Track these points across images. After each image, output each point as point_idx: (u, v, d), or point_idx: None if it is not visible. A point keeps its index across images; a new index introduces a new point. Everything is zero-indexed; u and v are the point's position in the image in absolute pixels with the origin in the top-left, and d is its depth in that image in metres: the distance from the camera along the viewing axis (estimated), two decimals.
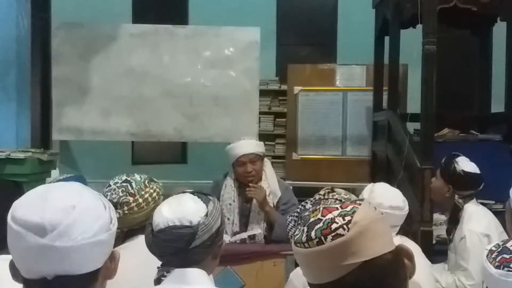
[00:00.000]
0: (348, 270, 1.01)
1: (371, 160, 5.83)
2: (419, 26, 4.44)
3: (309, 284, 1.10)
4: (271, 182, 3.46)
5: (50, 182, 2.99)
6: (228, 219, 3.39)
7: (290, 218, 1.80)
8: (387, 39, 5.33)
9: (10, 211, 1.09)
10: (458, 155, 3.10)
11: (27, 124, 5.56)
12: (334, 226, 1.03)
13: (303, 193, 3.46)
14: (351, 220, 1.03)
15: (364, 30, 6.09)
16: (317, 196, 2.06)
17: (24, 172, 4.37)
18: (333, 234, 1.02)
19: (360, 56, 6.38)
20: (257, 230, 3.38)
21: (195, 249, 1.54)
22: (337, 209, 1.07)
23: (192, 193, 1.64)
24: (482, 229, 2.87)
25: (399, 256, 1.08)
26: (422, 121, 4.44)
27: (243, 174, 3.40)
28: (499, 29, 5.23)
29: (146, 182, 2.08)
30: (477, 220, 2.92)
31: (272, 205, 3.41)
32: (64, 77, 5.99)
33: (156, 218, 1.56)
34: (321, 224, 1.04)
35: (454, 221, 2.96)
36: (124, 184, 2.04)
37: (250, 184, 3.37)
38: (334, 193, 2.21)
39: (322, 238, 1.02)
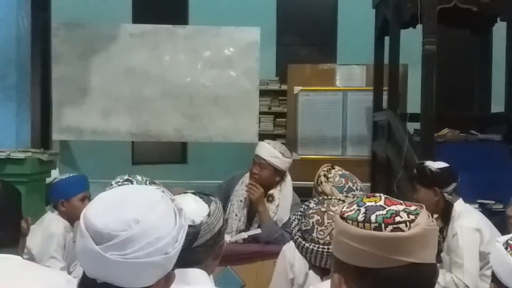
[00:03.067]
0: (392, 265, 1.01)
1: (371, 160, 5.83)
2: (419, 26, 4.45)
3: (334, 259, 1.09)
4: (282, 203, 3.35)
5: (52, 182, 2.99)
6: (236, 215, 3.38)
7: (294, 216, 1.80)
8: (387, 39, 5.33)
9: (87, 207, 1.10)
10: (424, 161, 3.15)
11: (27, 124, 5.55)
12: (397, 219, 1.03)
13: (303, 193, 3.45)
14: (414, 219, 1.03)
15: (364, 30, 6.09)
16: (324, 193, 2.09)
17: (24, 172, 4.37)
18: (394, 226, 1.02)
19: (360, 56, 6.38)
20: (257, 230, 3.38)
21: (197, 249, 1.54)
22: (401, 204, 1.07)
23: (194, 193, 1.64)
24: (473, 224, 2.90)
25: (437, 271, 1.08)
26: (422, 121, 4.45)
27: (250, 172, 3.41)
28: (499, 29, 5.23)
29: (147, 183, 2.08)
30: (467, 216, 2.95)
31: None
32: (64, 77, 5.99)
33: None
34: (384, 212, 1.04)
35: (447, 218, 2.98)
36: (126, 183, 2.04)
37: (250, 182, 3.36)
38: (336, 169, 2.26)
39: (383, 225, 1.02)
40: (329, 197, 2.05)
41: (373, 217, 1.04)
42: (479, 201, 4.00)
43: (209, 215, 1.57)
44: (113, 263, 1.03)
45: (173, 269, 1.50)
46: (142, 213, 1.06)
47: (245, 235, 3.38)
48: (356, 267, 1.04)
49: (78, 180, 3.29)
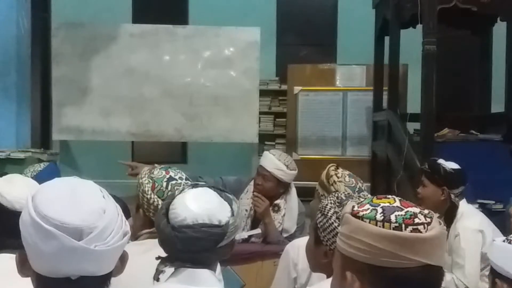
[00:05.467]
0: (409, 265, 1.02)
1: (371, 160, 5.83)
2: (419, 26, 4.45)
3: (343, 257, 1.09)
4: (288, 213, 3.31)
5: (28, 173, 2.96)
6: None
7: (330, 205, 1.73)
8: (387, 39, 5.33)
9: (33, 207, 1.06)
10: (437, 159, 3.13)
11: (27, 124, 5.56)
12: (416, 220, 1.04)
13: (303, 193, 3.44)
14: (430, 222, 1.06)
15: (364, 30, 6.09)
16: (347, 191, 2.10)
17: None
18: (413, 227, 1.04)
19: (360, 56, 6.38)
20: (257, 230, 3.38)
21: (219, 249, 1.50)
22: (415, 207, 1.09)
23: (210, 187, 1.58)
24: (476, 225, 2.90)
25: (444, 274, 1.10)
26: (422, 121, 4.45)
27: (254, 183, 3.35)
28: (499, 29, 5.23)
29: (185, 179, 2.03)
30: (470, 217, 2.94)
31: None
32: (64, 77, 6.00)
33: (181, 211, 1.48)
34: (402, 213, 1.05)
35: (450, 220, 2.97)
36: (189, 182, 1.95)
37: (255, 193, 3.30)
38: (340, 170, 2.29)
39: (403, 225, 1.03)
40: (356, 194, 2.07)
41: (392, 217, 1.04)
42: (479, 201, 3.99)
43: (233, 215, 1.51)
44: (98, 254, 1.06)
45: (186, 267, 1.47)
46: (102, 202, 1.10)
47: (245, 235, 3.38)
48: (371, 265, 1.04)
49: (53, 170, 3.25)
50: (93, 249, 1.05)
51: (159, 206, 1.88)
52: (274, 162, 3.23)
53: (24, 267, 1.10)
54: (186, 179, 1.95)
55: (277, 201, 3.31)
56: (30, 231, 1.05)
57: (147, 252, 1.67)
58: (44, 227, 1.03)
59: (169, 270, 1.54)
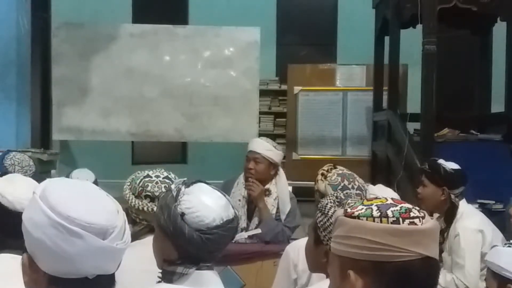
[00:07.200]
0: (409, 258, 1.05)
1: (371, 160, 5.84)
2: (419, 26, 4.45)
3: (341, 259, 1.10)
4: (281, 195, 3.43)
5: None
6: None
7: (330, 204, 1.73)
8: (387, 39, 5.34)
9: (49, 208, 1.04)
10: (437, 159, 3.13)
11: (27, 124, 5.56)
12: (412, 214, 1.08)
13: (303, 193, 3.46)
14: (424, 216, 1.09)
15: (364, 30, 6.10)
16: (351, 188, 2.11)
17: None
18: (410, 220, 1.06)
19: (360, 56, 6.38)
20: (257, 230, 3.38)
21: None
22: (407, 203, 1.12)
23: (199, 181, 1.54)
24: (476, 225, 2.90)
25: (440, 268, 1.14)
26: (422, 121, 4.45)
27: (245, 169, 3.47)
28: (499, 29, 5.23)
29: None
30: (470, 217, 2.95)
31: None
32: (64, 77, 5.99)
33: (206, 213, 1.44)
34: (398, 208, 1.08)
35: (450, 220, 2.98)
36: (167, 180, 2.00)
37: (250, 179, 3.42)
38: (337, 169, 2.27)
39: (400, 219, 1.06)
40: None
41: (389, 212, 1.07)
42: (479, 201, 4.00)
43: (233, 207, 1.51)
44: (118, 251, 1.09)
45: (206, 268, 1.47)
46: (114, 203, 1.14)
47: (245, 235, 3.39)
48: (372, 262, 1.06)
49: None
50: (116, 247, 1.07)
51: (133, 203, 1.92)
52: (263, 144, 3.46)
53: (30, 269, 1.09)
54: (167, 178, 2.00)
55: (267, 186, 3.43)
56: (49, 232, 1.04)
57: (132, 249, 1.68)
58: (69, 227, 1.03)
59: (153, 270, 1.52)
